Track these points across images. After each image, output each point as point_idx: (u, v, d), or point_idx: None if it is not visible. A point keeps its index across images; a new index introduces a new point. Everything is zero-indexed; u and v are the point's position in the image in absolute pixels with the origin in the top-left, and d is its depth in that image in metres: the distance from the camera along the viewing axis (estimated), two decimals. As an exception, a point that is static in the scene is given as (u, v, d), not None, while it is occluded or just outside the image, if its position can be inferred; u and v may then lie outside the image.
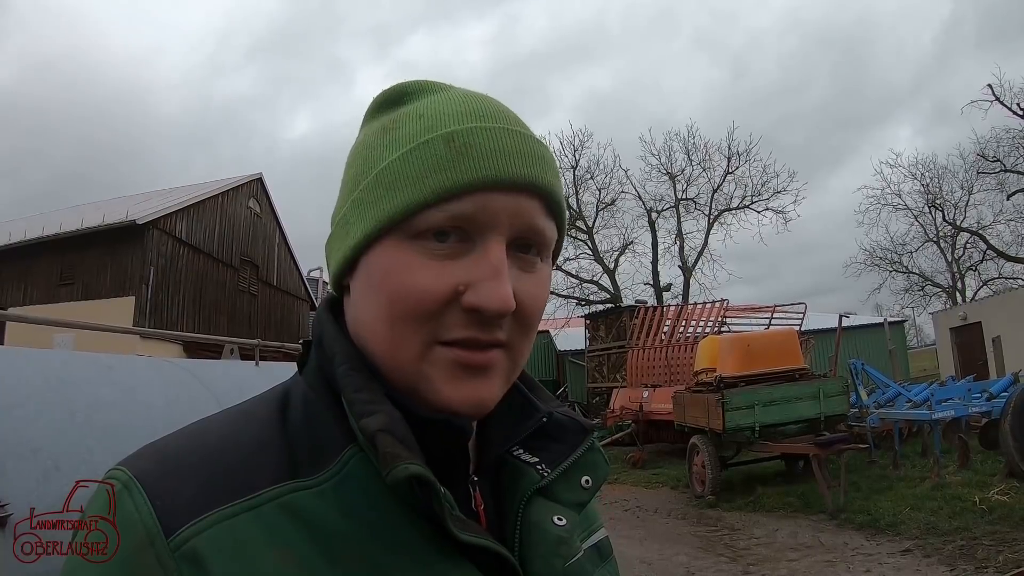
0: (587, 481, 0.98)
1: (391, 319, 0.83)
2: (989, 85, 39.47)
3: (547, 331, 37.65)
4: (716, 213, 44.09)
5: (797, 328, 18.84)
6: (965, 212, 45.51)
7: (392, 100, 0.93)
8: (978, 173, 43.39)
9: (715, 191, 43.96)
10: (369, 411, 0.80)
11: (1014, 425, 11.50)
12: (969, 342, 27.79)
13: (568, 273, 42.37)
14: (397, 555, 0.78)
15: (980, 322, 27.43)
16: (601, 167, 43.46)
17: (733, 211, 44.17)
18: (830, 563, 8.90)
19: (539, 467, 0.94)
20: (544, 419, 0.98)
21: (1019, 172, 41.75)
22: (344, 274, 0.91)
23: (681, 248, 44.22)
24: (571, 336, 34.31)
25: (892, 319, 37.01)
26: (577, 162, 42.74)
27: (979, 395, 14.73)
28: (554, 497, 0.94)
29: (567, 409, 1.04)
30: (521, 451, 0.96)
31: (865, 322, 35.41)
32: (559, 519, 0.92)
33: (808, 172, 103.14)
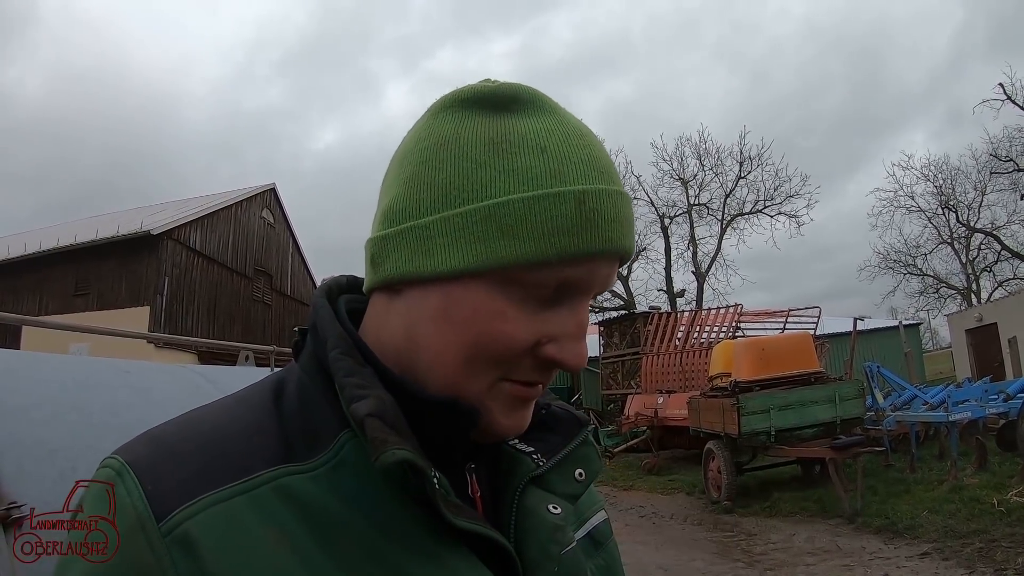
0: (580, 474, 0.98)
1: (470, 358, 0.82)
2: (1000, 84, 39.48)
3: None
4: (729, 218, 44.29)
5: (812, 332, 18.79)
6: (979, 213, 45.60)
7: (496, 103, 0.86)
8: (991, 173, 43.42)
9: (727, 196, 44.20)
10: (359, 396, 0.80)
11: None
12: (985, 343, 27.63)
13: None
14: (392, 540, 0.78)
15: (996, 323, 27.27)
16: (614, 174, 43.44)
17: (746, 216, 44.39)
18: (848, 567, 8.84)
19: (534, 456, 0.95)
20: (543, 411, 0.99)
21: (1032, 172, 41.64)
22: (403, 282, 0.86)
23: (694, 254, 44.44)
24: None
25: (907, 322, 36.79)
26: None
27: (996, 396, 14.62)
28: (548, 487, 0.94)
29: (564, 403, 1.05)
30: (517, 440, 0.96)
31: (880, 325, 35.22)
32: (554, 507, 0.92)
33: (823, 177, 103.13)
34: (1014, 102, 39.40)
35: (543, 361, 0.84)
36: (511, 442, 0.96)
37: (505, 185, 0.79)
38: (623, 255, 0.85)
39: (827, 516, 11.49)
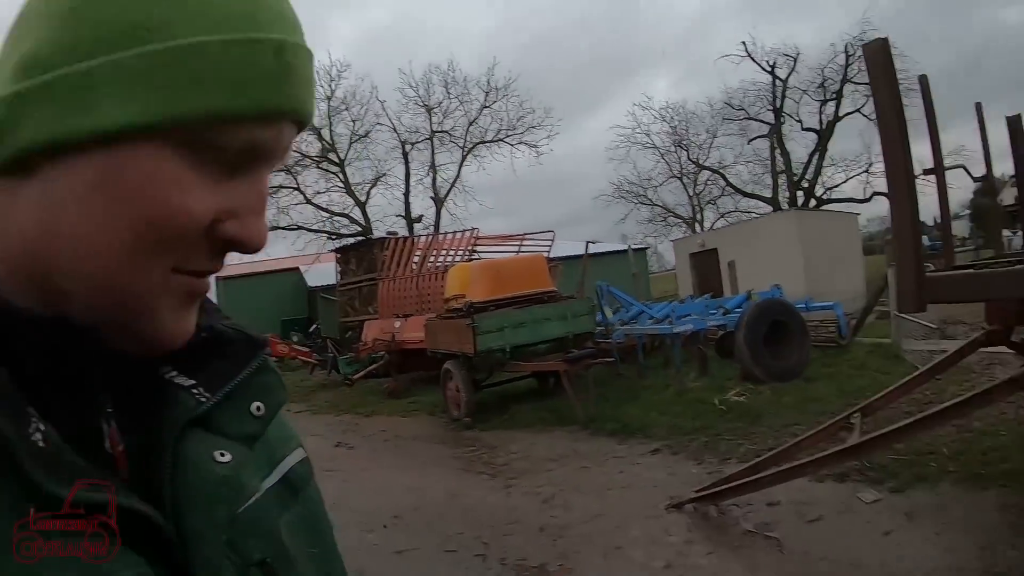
0: (259, 408, 0.80)
1: (138, 242, 0.64)
2: (743, 42, 42.80)
3: (297, 268, 37.11)
4: (470, 146, 44.74)
5: (545, 254, 19.21)
6: (708, 153, 49.71)
7: None
8: (723, 119, 47.34)
9: (471, 124, 44.81)
10: None
11: (747, 335, 12.45)
12: (706, 266, 29.38)
13: (318, 207, 41.90)
14: None
15: (716, 248, 29.05)
16: (357, 98, 43.18)
17: (487, 144, 45.10)
18: (586, 468, 9.17)
19: (196, 391, 0.75)
20: (204, 333, 0.78)
21: (761, 121, 46.24)
22: (42, 153, 0.63)
23: (434, 180, 44.74)
24: (322, 272, 33.72)
25: (636, 246, 38.64)
26: (333, 93, 42.43)
27: (715, 311, 15.70)
28: (217, 428, 0.75)
29: (236, 322, 0.86)
30: (174, 372, 0.75)
31: (611, 249, 36.76)
32: (222, 455, 0.73)
33: (567, 112, 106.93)
34: (753, 59, 43.01)
35: (221, 242, 0.69)
36: (167, 374, 0.75)
37: (195, 25, 0.63)
38: (307, 120, 0.73)
39: (564, 424, 11.82)
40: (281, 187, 40.32)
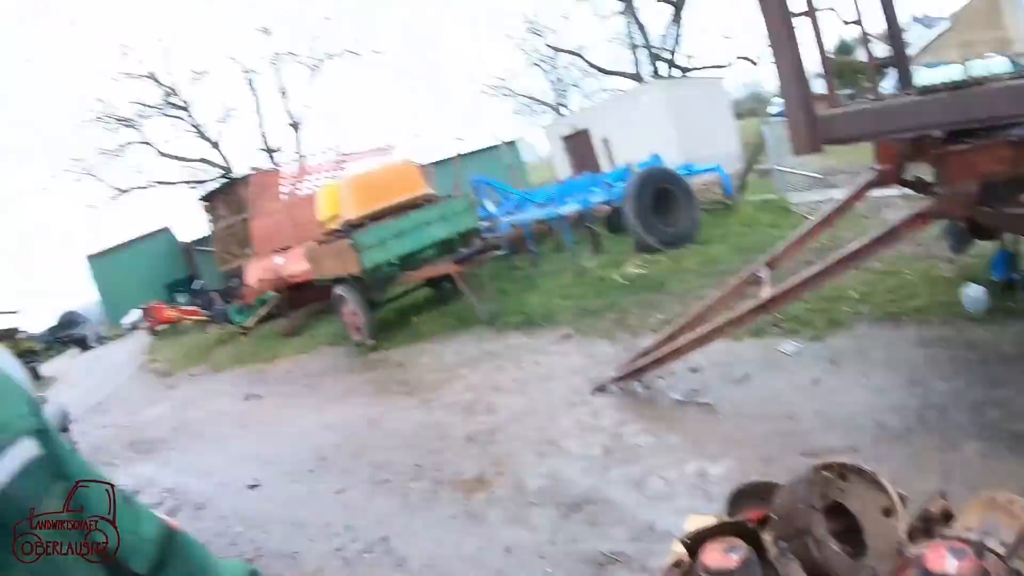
0: None
1: None
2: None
3: (166, 228, 35.77)
4: (318, 62, 42.29)
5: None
6: (566, 36, 48.54)
7: None
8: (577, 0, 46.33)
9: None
10: None
11: (635, 206, 12.40)
12: (581, 147, 28.98)
13: (174, 157, 38.78)
14: None
15: (588, 128, 28.71)
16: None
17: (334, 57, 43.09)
18: (500, 367, 8.98)
19: None
20: None
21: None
22: None
23: (287, 105, 42.22)
24: (194, 225, 32.70)
25: (506, 140, 38.30)
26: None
27: (598, 187, 15.44)
28: None
29: None
30: None
31: (481, 147, 36.42)
32: None
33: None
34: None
35: None
36: None
37: None
38: None
39: (468, 326, 11.64)
40: (129, 143, 36.99)
